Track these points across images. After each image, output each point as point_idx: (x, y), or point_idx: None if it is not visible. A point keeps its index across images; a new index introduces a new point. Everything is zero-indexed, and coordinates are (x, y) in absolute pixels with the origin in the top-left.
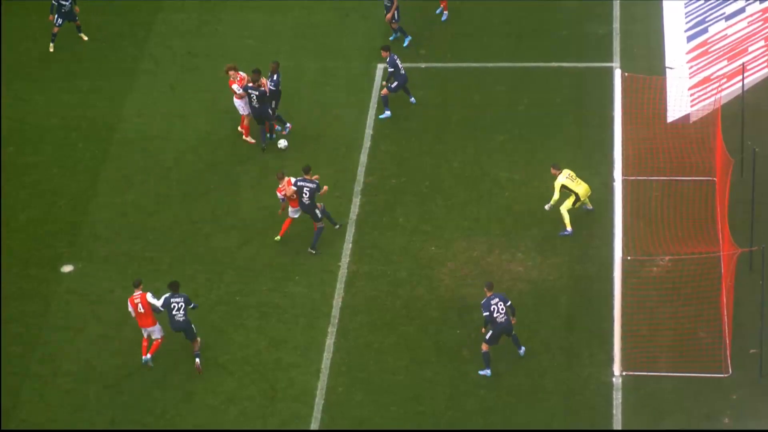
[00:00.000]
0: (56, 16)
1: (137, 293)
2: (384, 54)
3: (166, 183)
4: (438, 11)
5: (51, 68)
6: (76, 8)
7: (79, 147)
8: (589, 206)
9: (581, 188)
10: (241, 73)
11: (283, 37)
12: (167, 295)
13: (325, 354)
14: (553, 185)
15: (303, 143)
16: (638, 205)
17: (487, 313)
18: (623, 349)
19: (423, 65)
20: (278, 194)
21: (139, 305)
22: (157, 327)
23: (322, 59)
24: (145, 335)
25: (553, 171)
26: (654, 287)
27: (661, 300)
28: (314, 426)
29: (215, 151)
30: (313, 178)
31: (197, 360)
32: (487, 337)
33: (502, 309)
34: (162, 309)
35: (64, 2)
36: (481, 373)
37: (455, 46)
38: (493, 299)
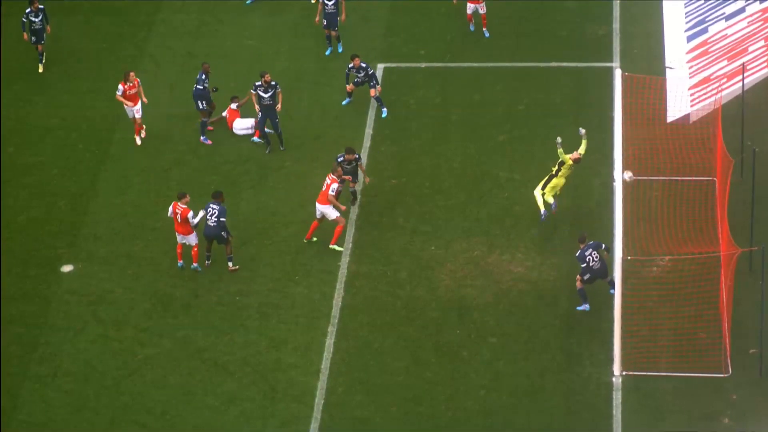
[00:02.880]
0: (29, 34)
1: (182, 205)
2: (356, 62)
3: (165, 183)
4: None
5: (51, 69)
6: (48, 28)
7: (79, 147)
8: (552, 201)
9: (560, 181)
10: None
11: (283, 37)
12: (210, 201)
13: (325, 354)
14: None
15: (303, 143)
16: (638, 205)
17: (584, 264)
18: (623, 349)
19: (423, 65)
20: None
21: (179, 215)
22: (193, 235)
23: (322, 59)
24: (180, 241)
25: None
26: (654, 287)
27: (661, 300)
28: (314, 426)
29: (215, 151)
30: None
31: (230, 264)
32: (585, 278)
33: (597, 257)
34: (197, 223)
35: (34, 19)
36: (579, 308)
37: (455, 46)
38: (586, 250)
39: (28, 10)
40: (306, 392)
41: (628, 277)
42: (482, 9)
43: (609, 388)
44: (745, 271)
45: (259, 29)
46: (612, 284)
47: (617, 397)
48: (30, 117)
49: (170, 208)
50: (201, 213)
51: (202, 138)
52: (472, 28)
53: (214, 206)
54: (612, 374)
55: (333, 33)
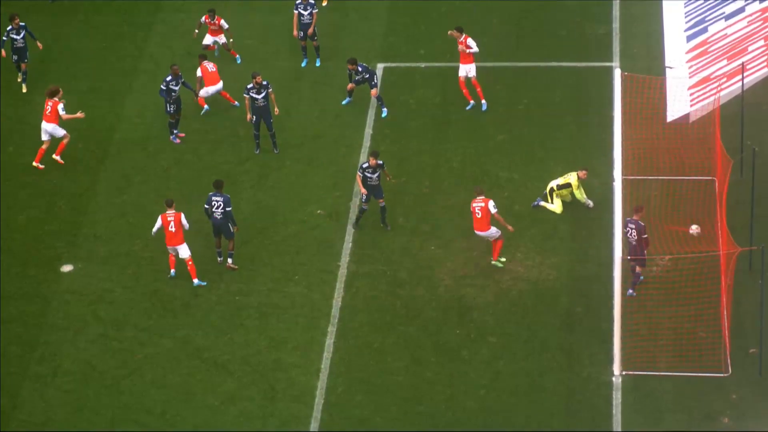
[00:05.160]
0: (9, 53)
1: (171, 212)
2: (351, 67)
3: (165, 183)
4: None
5: (50, 68)
6: (39, 45)
7: (79, 147)
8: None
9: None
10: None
11: (283, 37)
12: (211, 193)
13: (324, 354)
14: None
15: (302, 143)
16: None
17: (623, 228)
18: (623, 349)
19: (423, 65)
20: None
21: (171, 224)
22: (184, 246)
23: (322, 59)
24: (172, 253)
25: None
26: (654, 287)
27: (661, 300)
28: (314, 426)
29: (215, 151)
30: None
31: (230, 260)
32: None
33: (634, 236)
34: (187, 227)
35: (15, 37)
36: (634, 282)
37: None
38: (630, 223)
39: (9, 28)
40: (306, 392)
41: (627, 277)
42: (471, 72)
43: (609, 387)
44: (745, 270)
45: (259, 29)
46: (633, 283)
47: (617, 397)
48: (30, 117)
49: (158, 222)
50: (186, 223)
51: (171, 137)
52: (469, 106)
53: (218, 197)
54: (612, 374)
55: (314, 43)
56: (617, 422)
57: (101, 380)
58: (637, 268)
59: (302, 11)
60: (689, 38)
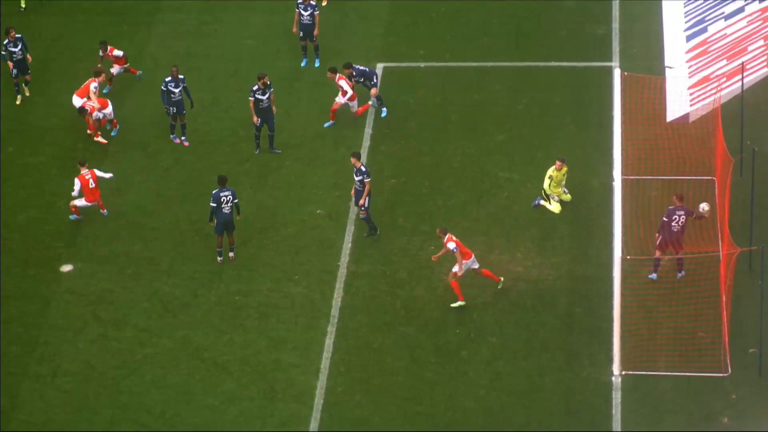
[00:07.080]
0: (12, 67)
1: (86, 171)
2: (347, 71)
3: (165, 183)
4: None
5: (50, 68)
6: (29, 57)
7: (79, 147)
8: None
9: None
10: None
11: (283, 37)
12: (216, 190)
13: (324, 354)
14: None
15: (302, 143)
16: (638, 205)
17: (666, 219)
18: (623, 349)
19: (423, 65)
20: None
21: (91, 181)
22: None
23: (321, 59)
24: (81, 205)
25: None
26: (653, 287)
27: (661, 300)
28: (314, 426)
29: (215, 151)
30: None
31: (231, 253)
32: (657, 243)
33: (682, 222)
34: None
35: (13, 50)
36: (649, 277)
37: (455, 46)
38: (679, 210)
39: (6, 42)
40: (305, 392)
41: (627, 277)
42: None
43: (608, 387)
44: (745, 270)
45: (259, 29)
46: (680, 265)
47: (617, 397)
48: (30, 117)
49: (77, 183)
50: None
51: (171, 136)
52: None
53: (226, 192)
54: (611, 374)
55: (313, 43)
56: (617, 422)
57: (101, 380)
58: (680, 252)
59: (302, 11)
60: (689, 38)
